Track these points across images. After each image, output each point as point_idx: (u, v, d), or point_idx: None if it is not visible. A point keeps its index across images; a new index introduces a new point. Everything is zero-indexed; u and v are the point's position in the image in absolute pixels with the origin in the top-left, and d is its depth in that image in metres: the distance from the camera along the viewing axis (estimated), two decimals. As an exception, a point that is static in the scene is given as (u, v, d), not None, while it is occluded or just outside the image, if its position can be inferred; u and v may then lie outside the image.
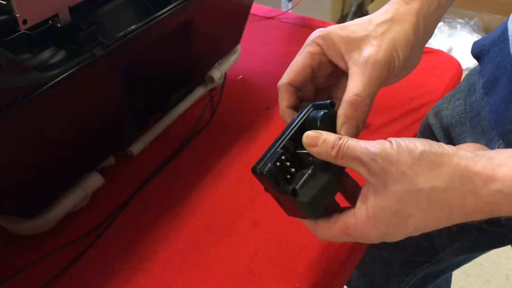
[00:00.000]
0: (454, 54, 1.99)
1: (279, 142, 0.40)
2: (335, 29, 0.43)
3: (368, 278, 0.78)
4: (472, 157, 0.33)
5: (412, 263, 0.71)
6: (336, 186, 0.40)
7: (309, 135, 0.39)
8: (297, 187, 0.38)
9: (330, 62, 0.45)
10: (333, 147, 0.38)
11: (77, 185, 0.58)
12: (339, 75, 0.46)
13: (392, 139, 0.36)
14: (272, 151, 0.40)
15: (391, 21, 0.43)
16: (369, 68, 0.40)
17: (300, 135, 0.40)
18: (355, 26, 0.43)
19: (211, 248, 0.55)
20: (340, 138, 0.38)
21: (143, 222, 0.59)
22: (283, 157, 0.39)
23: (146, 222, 0.59)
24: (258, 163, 0.40)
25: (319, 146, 0.39)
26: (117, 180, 0.64)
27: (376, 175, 0.36)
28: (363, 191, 0.38)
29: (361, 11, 2.33)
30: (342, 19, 2.28)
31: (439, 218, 0.35)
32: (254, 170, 0.40)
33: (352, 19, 2.26)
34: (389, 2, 0.45)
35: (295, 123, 0.41)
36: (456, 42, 2.09)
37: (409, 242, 0.70)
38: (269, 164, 0.39)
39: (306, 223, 0.43)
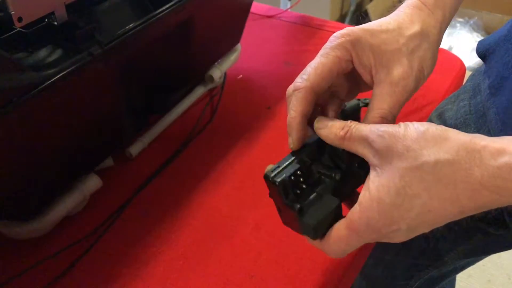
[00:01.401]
0: (453, 53, 1.98)
1: (297, 155, 0.40)
2: (365, 35, 0.40)
3: (371, 282, 0.77)
4: (478, 135, 0.33)
5: (415, 267, 0.70)
6: (341, 212, 0.40)
7: (320, 118, 0.40)
8: (304, 206, 0.38)
9: (352, 69, 0.42)
10: (342, 128, 0.38)
11: (75, 188, 0.57)
12: (352, 81, 0.44)
13: (401, 123, 0.36)
14: (288, 162, 0.39)
15: (421, 35, 0.41)
16: (399, 91, 0.39)
17: (318, 153, 0.40)
18: (385, 35, 0.40)
19: (212, 252, 0.54)
20: (350, 122, 0.38)
21: (143, 225, 0.57)
22: (298, 172, 0.39)
23: (146, 225, 0.57)
24: (272, 171, 0.39)
25: (328, 127, 0.39)
26: (116, 182, 0.63)
27: (381, 154, 0.35)
28: (367, 180, 0.37)
29: (360, 10, 2.32)
30: (341, 18, 2.27)
31: (445, 199, 0.33)
32: (266, 177, 0.39)
33: (351, 18, 2.26)
34: (412, 4, 0.43)
35: (315, 139, 0.41)
36: (455, 41, 2.09)
37: (413, 245, 0.69)
38: (284, 175, 0.38)
39: (314, 242, 0.42)
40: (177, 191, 0.62)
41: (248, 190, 0.61)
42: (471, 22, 2.15)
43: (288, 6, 1.18)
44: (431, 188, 0.33)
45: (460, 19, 2.17)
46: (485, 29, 2.14)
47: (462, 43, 2.07)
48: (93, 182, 0.58)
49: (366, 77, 0.41)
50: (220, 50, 0.79)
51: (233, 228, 0.57)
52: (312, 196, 0.39)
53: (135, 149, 0.66)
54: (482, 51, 0.56)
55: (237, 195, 0.61)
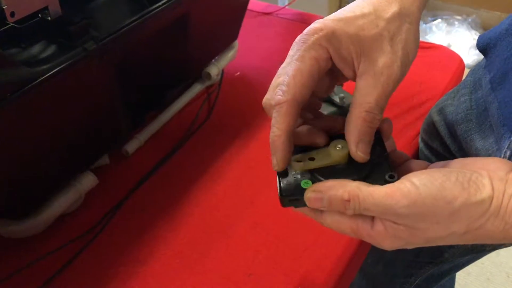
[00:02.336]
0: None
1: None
2: (339, 25, 0.36)
3: (371, 279, 0.77)
4: (507, 192, 0.32)
5: (416, 264, 0.70)
6: None
7: (310, 198, 0.35)
8: (284, 192, 0.37)
9: (333, 66, 0.38)
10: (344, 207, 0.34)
11: (70, 186, 0.56)
12: (329, 76, 0.40)
13: (419, 183, 0.32)
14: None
15: (400, 16, 0.38)
16: (384, 80, 0.35)
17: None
18: (361, 20, 0.36)
19: (209, 250, 0.54)
20: (349, 196, 0.34)
21: (139, 224, 0.57)
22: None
23: (142, 224, 0.57)
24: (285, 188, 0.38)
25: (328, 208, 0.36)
26: (112, 180, 0.62)
27: (402, 225, 0.33)
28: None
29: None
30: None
31: (461, 240, 0.34)
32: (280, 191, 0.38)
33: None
34: None
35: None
36: (454, 38, 2.08)
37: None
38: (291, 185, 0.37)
39: (308, 211, 0.38)
40: (174, 189, 0.61)
41: (246, 188, 0.61)
42: (470, 19, 2.14)
43: (286, 3, 1.18)
44: (452, 240, 0.34)
45: (458, 17, 2.16)
46: (484, 27, 2.14)
47: (461, 41, 2.06)
48: (88, 180, 0.57)
49: (347, 71, 0.37)
50: (218, 47, 0.78)
51: (231, 227, 0.56)
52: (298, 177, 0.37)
53: (131, 147, 0.65)
54: (483, 45, 0.56)
55: (235, 193, 0.60)
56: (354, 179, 0.36)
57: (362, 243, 0.54)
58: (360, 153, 0.36)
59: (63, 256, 0.53)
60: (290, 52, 0.38)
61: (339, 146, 0.38)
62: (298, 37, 0.37)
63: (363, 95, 0.36)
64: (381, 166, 0.37)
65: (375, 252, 0.74)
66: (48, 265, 0.52)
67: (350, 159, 0.38)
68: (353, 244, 0.53)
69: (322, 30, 0.36)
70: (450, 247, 0.64)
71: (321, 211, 0.37)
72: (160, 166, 0.64)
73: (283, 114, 0.36)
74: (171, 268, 0.52)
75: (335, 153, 0.38)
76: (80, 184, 0.56)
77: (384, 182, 0.35)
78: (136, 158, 0.66)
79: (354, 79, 0.37)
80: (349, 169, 0.37)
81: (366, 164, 0.37)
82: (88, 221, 0.57)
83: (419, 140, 0.68)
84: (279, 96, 0.36)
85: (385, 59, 0.36)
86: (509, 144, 0.46)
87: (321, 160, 0.38)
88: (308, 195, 0.36)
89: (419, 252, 0.69)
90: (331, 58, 0.37)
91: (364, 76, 0.36)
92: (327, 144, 0.39)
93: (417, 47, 0.39)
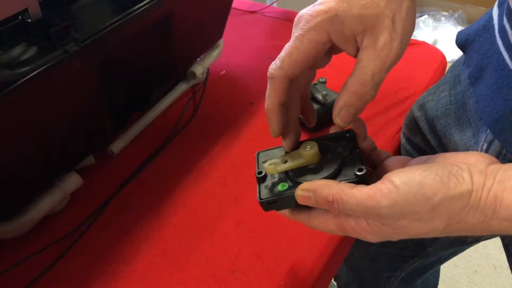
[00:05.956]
0: (439, 46, 1.99)
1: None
2: (343, 6, 0.37)
3: (357, 274, 0.78)
4: (486, 185, 0.33)
5: (400, 258, 0.71)
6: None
7: (300, 196, 0.38)
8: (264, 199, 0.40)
9: (332, 46, 0.39)
10: (329, 202, 0.36)
11: (55, 186, 0.56)
12: (330, 53, 0.42)
13: (399, 181, 0.33)
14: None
15: None
16: (384, 55, 0.36)
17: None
18: (363, 0, 0.37)
19: (194, 248, 0.54)
20: (333, 198, 0.36)
21: (124, 223, 0.57)
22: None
23: (127, 223, 0.57)
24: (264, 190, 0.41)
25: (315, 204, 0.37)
26: (97, 180, 0.62)
27: (385, 224, 0.35)
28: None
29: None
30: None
31: (443, 233, 0.35)
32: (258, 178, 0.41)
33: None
34: None
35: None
36: (440, 34, 2.10)
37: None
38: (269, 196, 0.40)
39: (300, 218, 0.41)
40: (159, 188, 0.61)
41: (230, 186, 0.61)
42: (456, 15, 2.16)
43: (273, 0, 1.18)
44: (435, 234, 0.35)
45: (445, 13, 2.18)
46: (470, 22, 2.16)
47: (447, 37, 2.08)
48: (73, 181, 0.58)
49: (350, 50, 0.39)
50: (202, 46, 0.78)
51: (215, 224, 0.57)
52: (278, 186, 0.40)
53: (116, 147, 0.66)
54: (462, 42, 0.56)
55: (219, 191, 0.61)
56: (326, 177, 0.38)
57: (343, 239, 0.55)
58: (338, 120, 0.38)
59: (48, 257, 0.53)
60: (294, 28, 0.39)
61: (308, 146, 0.40)
62: (302, 14, 0.39)
63: (362, 67, 0.37)
64: (352, 161, 0.39)
65: (360, 248, 0.75)
66: (33, 266, 0.52)
67: (320, 158, 0.40)
68: (334, 239, 0.54)
69: (326, 13, 0.37)
70: (433, 241, 0.66)
71: (308, 217, 0.40)
72: (145, 165, 0.65)
73: (274, 88, 0.39)
74: (155, 266, 0.52)
75: (305, 153, 0.40)
76: (64, 185, 0.57)
77: (354, 176, 0.37)
78: (122, 158, 0.66)
79: (355, 55, 0.38)
80: (320, 167, 0.39)
81: (336, 162, 0.39)
82: (74, 221, 0.57)
83: (401, 135, 0.69)
84: (272, 70, 0.38)
85: (387, 36, 0.37)
86: (485, 137, 0.47)
87: (292, 161, 0.40)
88: (298, 193, 0.38)
89: (403, 247, 0.70)
90: (331, 40, 0.38)
91: (366, 49, 0.37)
92: (298, 148, 0.41)
93: (414, 24, 0.40)
